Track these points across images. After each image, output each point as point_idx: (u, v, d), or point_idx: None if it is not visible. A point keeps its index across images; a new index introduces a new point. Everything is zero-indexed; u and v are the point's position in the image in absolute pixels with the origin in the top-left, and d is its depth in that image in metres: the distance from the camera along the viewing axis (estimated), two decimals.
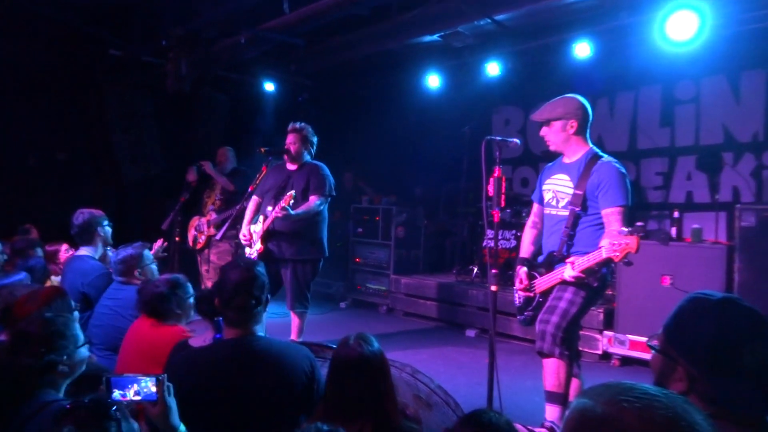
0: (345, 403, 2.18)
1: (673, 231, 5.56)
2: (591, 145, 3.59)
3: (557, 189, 3.62)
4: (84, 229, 4.27)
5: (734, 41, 5.72)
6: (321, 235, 5.25)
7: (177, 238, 6.65)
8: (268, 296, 2.54)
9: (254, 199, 5.38)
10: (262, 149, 5.32)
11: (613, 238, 3.07)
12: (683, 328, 1.50)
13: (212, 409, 2.29)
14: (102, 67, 7.83)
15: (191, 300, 3.26)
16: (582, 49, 6.09)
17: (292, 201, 4.79)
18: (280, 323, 5.69)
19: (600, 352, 5.59)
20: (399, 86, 8.09)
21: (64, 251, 5.02)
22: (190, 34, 6.65)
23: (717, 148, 6.65)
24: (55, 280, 4.59)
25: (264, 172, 5.29)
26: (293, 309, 5.19)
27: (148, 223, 6.87)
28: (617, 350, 5.46)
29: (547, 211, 3.72)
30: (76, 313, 2.96)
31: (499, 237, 5.89)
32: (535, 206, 3.90)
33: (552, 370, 3.42)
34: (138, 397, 1.93)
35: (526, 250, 3.84)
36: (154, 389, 1.94)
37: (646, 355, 4.75)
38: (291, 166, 5.31)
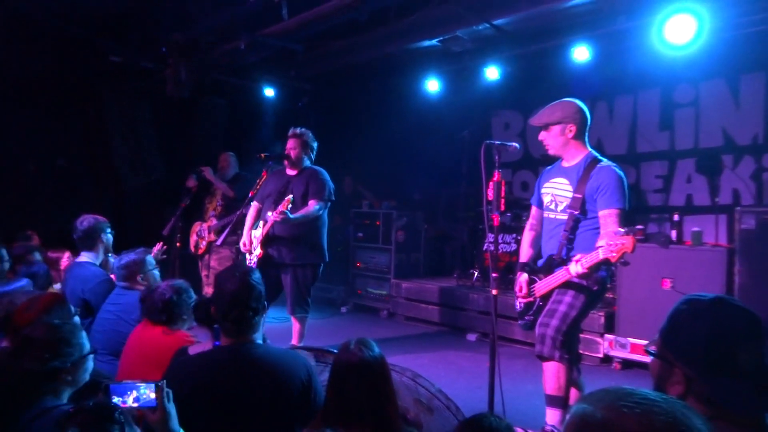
0: (346, 407, 2.17)
1: (674, 234, 5.56)
2: (590, 149, 3.60)
3: (556, 193, 3.62)
4: (87, 234, 4.28)
5: (733, 44, 5.73)
6: (321, 239, 5.26)
7: (178, 244, 6.65)
8: (266, 303, 2.53)
9: (255, 204, 5.39)
10: (262, 154, 5.33)
11: (610, 239, 3.08)
12: (678, 330, 1.51)
13: (209, 416, 2.28)
14: (101, 73, 7.83)
15: (193, 304, 3.27)
16: (581, 53, 6.11)
17: (290, 205, 4.80)
18: (281, 328, 5.70)
19: (601, 355, 5.58)
20: (398, 91, 8.10)
21: (66, 259, 5.01)
22: (190, 40, 6.67)
23: (717, 151, 6.65)
24: (56, 287, 4.58)
25: (264, 178, 5.29)
26: (294, 314, 5.19)
27: (147, 228, 6.86)
28: (618, 353, 5.45)
29: (546, 214, 3.72)
30: (77, 319, 2.97)
31: (500, 241, 5.90)
32: (534, 209, 3.91)
33: (552, 374, 3.42)
34: (137, 404, 1.93)
35: (525, 254, 3.84)
36: (152, 396, 1.93)
37: (647, 359, 4.74)
38: (291, 172, 5.31)
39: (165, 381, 1.99)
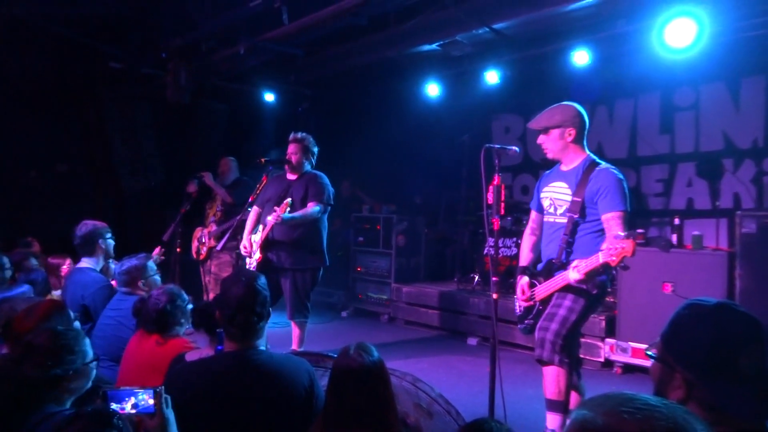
0: (345, 413, 2.17)
1: (674, 238, 5.55)
2: (588, 153, 3.59)
3: (555, 197, 3.62)
4: (86, 240, 4.28)
5: (733, 48, 5.73)
6: (321, 244, 5.25)
7: (178, 249, 6.64)
8: (269, 310, 2.53)
9: (255, 209, 5.39)
10: (262, 159, 5.34)
11: (610, 243, 3.07)
12: (680, 334, 1.51)
13: (211, 422, 2.28)
14: (101, 79, 7.85)
15: (189, 306, 3.27)
16: (580, 57, 6.11)
17: (288, 208, 4.80)
18: (281, 333, 5.68)
19: (602, 359, 5.57)
20: (398, 95, 8.12)
21: (67, 266, 5.00)
22: (189, 45, 6.68)
23: (717, 154, 6.65)
24: (56, 294, 4.57)
25: (264, 182, 5.29)
26: (293, 319, 5.18)
27: (148, 234, 6.87)
28: (619, 358, 5.44)
29: (545, 218, 3.72)
30: (77, 324, 2.96)
31: (500, 245, 5.88)
32: (533, 213, 3.90)
33: (552, 378, 3.41)
34: (135, 410, 1.93)
35: (525, 258, 3.84)
36: (151, 402, 1.93)
37: (648, 363, 4.72)
38: (291, 176, 5.31)
39: (163, 387, 1.98)
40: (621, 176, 3.44)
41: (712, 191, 6.67)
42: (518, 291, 3.73)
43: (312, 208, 5.04)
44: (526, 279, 3.68)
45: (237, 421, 2.29)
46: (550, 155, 3.64)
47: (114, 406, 1.92)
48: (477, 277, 7.09)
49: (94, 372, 2.31)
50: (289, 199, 4.85)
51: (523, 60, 6.73)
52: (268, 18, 5.87)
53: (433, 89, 7.55)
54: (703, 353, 1.43)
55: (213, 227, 6.52)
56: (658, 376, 1.52)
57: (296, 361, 2.57)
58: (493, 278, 3.56)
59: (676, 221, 5.78)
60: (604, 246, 3.14)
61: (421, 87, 7.60)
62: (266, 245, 5.11)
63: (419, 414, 2.89)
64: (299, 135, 5.32)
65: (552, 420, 3.43)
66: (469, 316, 6.76)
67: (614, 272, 3.78)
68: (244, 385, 2.33)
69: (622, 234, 3.02)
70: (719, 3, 5.05)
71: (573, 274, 3.27)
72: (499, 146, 3.62)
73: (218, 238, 6.17)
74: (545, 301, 3.56)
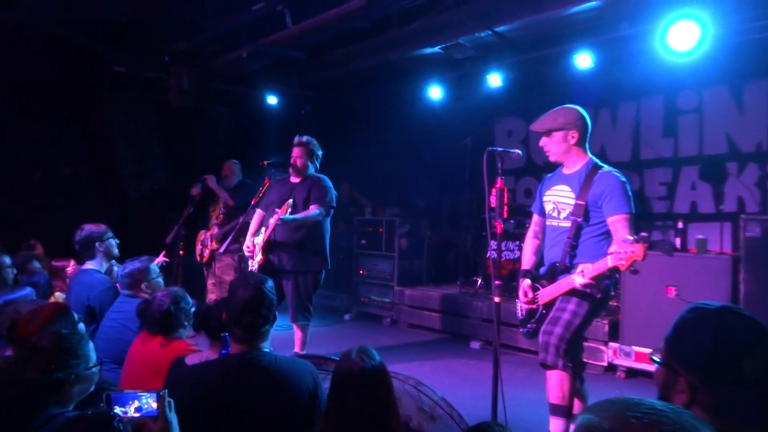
0: (347, 417, 2.16)
1: (678, 242, 5.54)
2: (590, 156, 3.58)
3: (558, 200, 3.61)
4: (83, 244, 4.35)
5: (736, 51, 5.72)
6: (323, 246, 5.24)
7: (181, 252, 6.65)
8: (276, 314, 2.54)
9: (258, 212, 5.39)
10: (265, 162, 5.34)
11: (619, 247, 3.05)
12: (683, 337, 1.50)
13: (215, 423, 2.28)
14: (105, 82, 7.87)
15: (193, 309, 3.27)
16: (583, 60, 6.10)
17: (290, 209, 4.80)
18: (284, 336, 5.68)
19: (605, 363, 5.55)
20: (401, 98, 8.12)
21: (71, 267, 5.02)
22: (193, 49, 6.70)
23: (721, 158, 6.63)
24: (59, 296, 4.58)
25: (267, 185, 5.30)
26: (295, 321, 5.18)
27: (151, 236, 6.87)
28: (622, 362, 5.42)
29: (548, 222, 3.70)
30: (81, 325, 2.96)
31: (503, 248, 5.89)
32: (535, 217, 3.89)
33: (555, 382, 3.40)
34: (139, 414, 1.93)
35: (527, 261, 3.82)
36: (155, 405, 1.93)
37: (652, 367, 4.71)
38: (295, 179, 5.31)
39: (167, 390, 1.98)
40: (624, 179, 3.42)
41: (716, 195, 6.64)
42: (520, 294, 3.72)
43: (313, 210, 5.04)
44: (527, 282, 3.67)
45: (241, 423, 2.29)
46: (552, 158, 3.63)
47: (118, 409, 1.92)
48: (480, 281, 7.08)
49: (97, 376, 2.31)
50: (290, 201, 4.85)
51: (526, 63, 6.72)
52: (271, 21, 5.89)
53: (435, 92, 7.55)
54: (707, 356, 1.42)
55: (216, 230, 6.53)
56: (662, 380, 1.51)
57: (300, 364, 2.57)
58: (496, 282, 3.55)
59: (680, 225, 5.77)
60: (611, 249, 3.13)
61: (423, 90, 7.61)
62: (268, 247, 5.11)
63: (422, 417, 2.88)
64: (304, 138, 5.31)
65: (555, 424, 3.41)
66: (471, 320, 6.75)
67: (618, 276, 3.76)
68: (248, 386, 2.33)
69: (632, 238, 3.00)
70: (722, 6, 5.04)
71: (578, 278, 3.26)
72: (501, 149, 3.60)
73: (220, 241, 6.18)
74: (549, 305, 3.55)
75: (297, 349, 5.15)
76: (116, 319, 3.71)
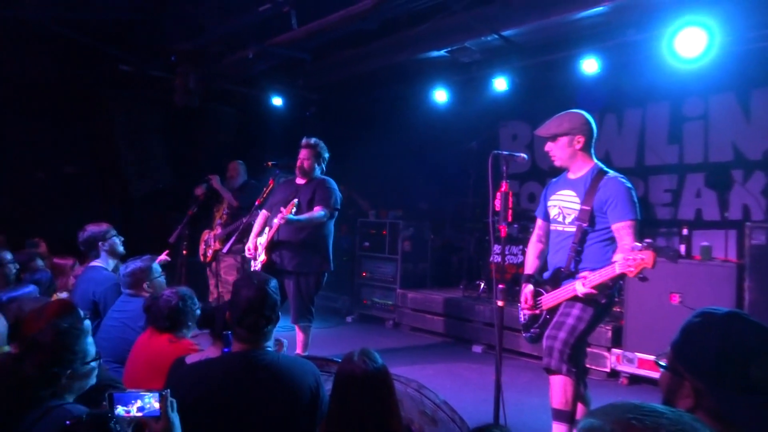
0: (349, 418, 2.16)
1: (682, 248, 5.52)
2: (596, 161, 3.57)
3: (563, 205, 3.60)
4: (87, 245, 4.44)
5: (743, 59, 5.70)
6: (326, 248, 5.24)
7: (184, 252, 6.67)
8: (279, 314, 2.54)
9: (263, 213, 5.39)
10: (269, 163, 5.34)
11: (627, 253, 3.03)
12: (689, 342, 1.50)
13: (217, 421, 2.28)
14: (110, 81, 7.89)
15: (198, 311, 3.28)
16: (589, 65, 6.10)
17: (294, 209, 4.80)
18: (286, 337, 5.66)
19: (608, 369, 5.53)
20: (406, 100, 8.12)
21: (73, 265, 5.04)
22: (198, 49, 6.71)
23: (726, 165, 6.61)
24: (61, 295, 4.59)
25: (271, 186, 5.30)
26: (297, 323, 5.18)
27: (154, 236, 6.88)
28: (625, 368, 5.40)
29: (553, 227, 3.69)
30: (87, 322, 2.96)
31: (506, 252, 5.83)
32: (540, 221, 3.88)
33: (559, 388, 3.38)
34: (141, 413, 1.92)
35: (531, 265, 3.81)
36: (157, 405, 1.93)
37: (655, 374, 4.69)
38: (300, 181, 5.31)
39: (169, 390, 1.98)
40: (629, 185, 3.42)
41: (721, 202, 6.62)
42: (522, 299, 3.71)
43: (318, 212, 5.03)
44: (530, 287, 3.66)
45: (243, 421, 2.29)
46: (557, 163, 3.62)
47: (120, 408, 1.92)
48: (483, 285, 7.07)
49: (96, 370, 2.31)
50: (295, 200, 4.86)
51: (532, 67, 6.72)
52: (276, 22, 5.90)
53: (441, 95, 7.56)
54: (713, 362, 1.42)
55: (219, 230, 6.54)
56: (668, 384, 1.51)
57: (303, 363, 2.57)
58: (499, 285, 3.54)
59: (685, 232, 5.76)
60: (617, 257, 3.11)
61: (429, 93, 7.61)
62: (271, 247, 5.11)
63: (423, 421, 2.88)
64: (312, 140, 5.30)
65: (558, 430, 3.40)
66: (474, 324, 6.73)
67: (622, 282, 3.75)
68: (250, 384, 2.34)
69: (640, 245, 2.98)
70: (730, 13, 5.03)
71: (580, 287, 3.25)
72: (506, 153, 3.60)
73: (224, 241, 6.19)
74: (552, 310, 3.54)
75: (299, 351, 5.15)
76: (118, 318, 3.72)
